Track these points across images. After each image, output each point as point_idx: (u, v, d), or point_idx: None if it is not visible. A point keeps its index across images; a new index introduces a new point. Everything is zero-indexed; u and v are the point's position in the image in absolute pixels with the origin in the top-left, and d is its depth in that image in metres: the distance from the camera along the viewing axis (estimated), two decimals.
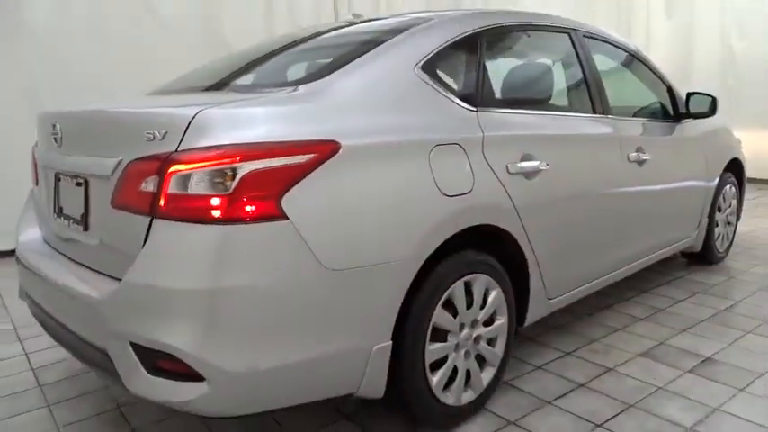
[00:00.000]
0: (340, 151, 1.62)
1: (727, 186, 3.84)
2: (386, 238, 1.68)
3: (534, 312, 2.35)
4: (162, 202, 1.50)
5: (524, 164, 2.15)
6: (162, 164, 1.51)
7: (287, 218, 1.51)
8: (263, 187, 1.50)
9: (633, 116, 3.02)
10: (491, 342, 2.16)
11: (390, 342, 1.75)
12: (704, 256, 3.82)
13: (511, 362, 2.55)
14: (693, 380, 2.38)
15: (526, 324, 2.33)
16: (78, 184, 1.83)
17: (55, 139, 1.92)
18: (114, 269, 1.66)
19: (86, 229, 1.79)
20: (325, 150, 1.60)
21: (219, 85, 2.13)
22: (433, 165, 1.83)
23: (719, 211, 3.82)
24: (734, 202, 4.00)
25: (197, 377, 1.48)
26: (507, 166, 2.08)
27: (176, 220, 1.49)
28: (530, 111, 2.31)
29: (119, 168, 1.64)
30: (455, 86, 2.09)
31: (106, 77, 4.56)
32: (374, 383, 1.75)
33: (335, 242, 1.58)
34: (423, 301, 1.84)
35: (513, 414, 2.14)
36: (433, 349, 1.90)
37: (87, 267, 1.80)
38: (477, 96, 2.10)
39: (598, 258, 2.65)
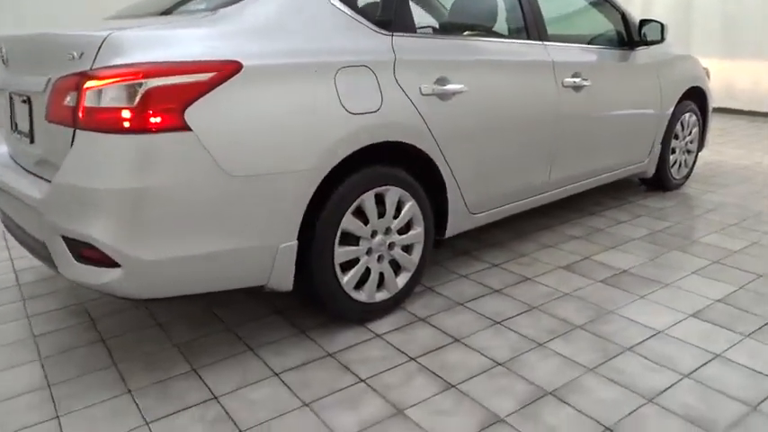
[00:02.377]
0: (242, 71, 1.81)
1: (687, 114, 3.91)
2: (287, 150, 1.88)
3: (455, 225, 2.55)
4: (80, 115, 1.72)
5: (438, 86, 2.30)
6: (79, 80, 1.72)
7: (190, 129, 1.72)
8: (166, 101, 1.70)
9: (588, 44, 3.10)
10: (407, 249, 2.38)
11: (296, 242, 1.98)
12: (659, 182, 3.94)
13: (436, 270, 2.79)
14: (600, 288, 2.59)
15: (448, 235, 2.54)
16: (24, 102, 2.05)
17: (3, 60, 2.14)
18: (51, 175, 1.91)
19: (32, 141, 2.03)
20: (226, 69, 1.78)
21: (172, 9, 2.31)
22: (338, 85, 2.00)
23: (677, 138, 3.90)
24: (695, 130, 4.07)
25: (113, 264, 1.74)
26: (420, 88, 2.24)
27: (93, 131, 1.71)
28: (449, 36, 2.44)
29: (49, 85, 1.85)
30: (370, 12, 2.23)
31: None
32: (282, 278, 2.00)
33: (237, 152, 1.79)
34: (331, 208, 2.06)
35: (425, 312, 2.39)
36: (343, 251, 2.13)
37: (35, 175, 2.05)
38: (393, 22, 2.24)
39: (524, 180, 2.81)
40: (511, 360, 2.05)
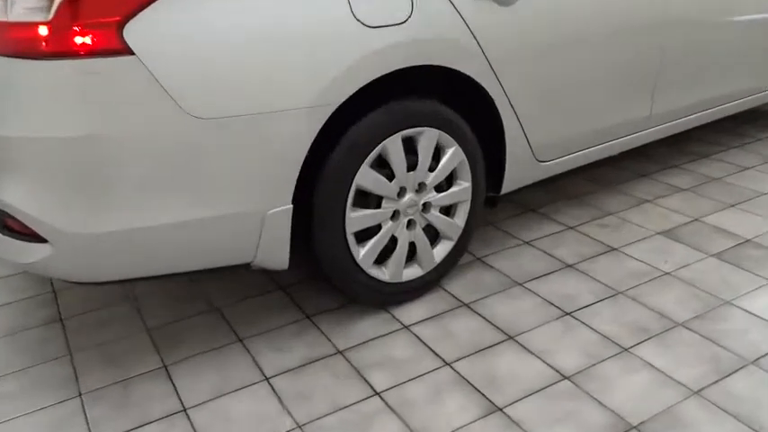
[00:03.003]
0: None
1: None
2: (273, 81, 1.55)
3: (516, 177, 2.19)
4: None
5: None
6: None
7: (132, 53, 1.41)
8: (95, 13, 1.39)
9: None
10: (448, 211, 2.05)
11: (290, 206, 1.68)
12: None
13: (491, 234, 2.45)
14: (714, 266, 2.19)
15: (506, 191, 2.19)
16: None
17: None
18: None
19: None
20: None
21: None
22: None
23: None
24: None
25: (39, 238, 1.49)
26: None
27: (3, 56, 1.44)
28: None
29: None
30: None
31: None
32: (273, 253, 1.72)
33: (202, 85, 1.47)
34: (339, 159, 1.73)
35: (470, 295, 2.07)
36: (358, 217, 1.82)
37: None
38: None
39: (615, 114, 2.38)
40: (582, 372, 1.72)
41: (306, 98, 1.59)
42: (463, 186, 2.02)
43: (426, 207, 1.97)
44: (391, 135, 1.81)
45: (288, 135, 1.60)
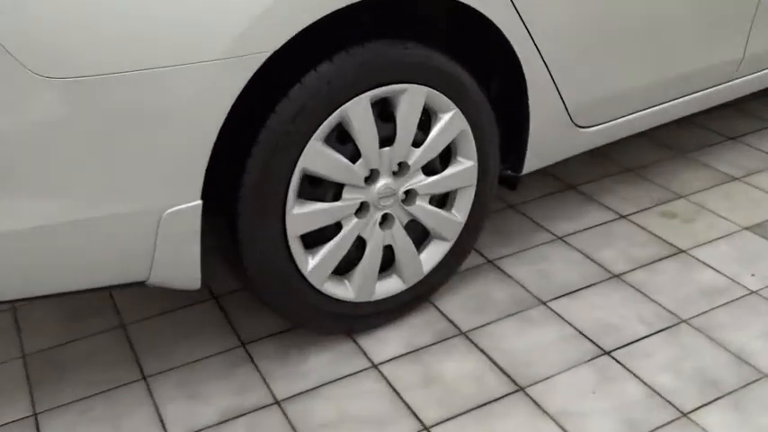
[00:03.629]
0: None
1: None
2: (162, 21, 1.19)
3: (544, 150, 1.79)
4: None
5: None
6: None
7: None
8: None
9: None
10: (443, 201, 1.69)
11: (198, 203, 1.33)
12: None
13: (509, 221, 2.08)
14: None
15: (530, 169, 1.80)
16: None
17: None
18: None
19: None
20: None
21: None
22: None
23: None
24: None
25: None
26: None
27: None
28: None
29: None
30: None
31: None
32: (177, 268, 1.38)
33: (52, 32, 1.13)
34: (275, 133, 1.37)
35: (472, 319, 1.70)
36: (304, 214, 1.47)
37: None
38: None
39: (691, 56, 1.97)
40: None
41: (216, 47, 1.23)
42: (465, 166, 1.65)
43: (410, 196, 1.60)
44: (354, 96, 1.43)
45: (189, 100, 1.24)
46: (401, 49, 1.47)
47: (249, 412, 1.49)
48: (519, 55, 1.61)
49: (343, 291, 1.60)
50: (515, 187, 1.90)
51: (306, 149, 1.42)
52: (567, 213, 2.11)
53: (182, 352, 1.66)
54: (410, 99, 1.51)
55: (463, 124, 1.61)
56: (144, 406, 1.52)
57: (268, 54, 1.29)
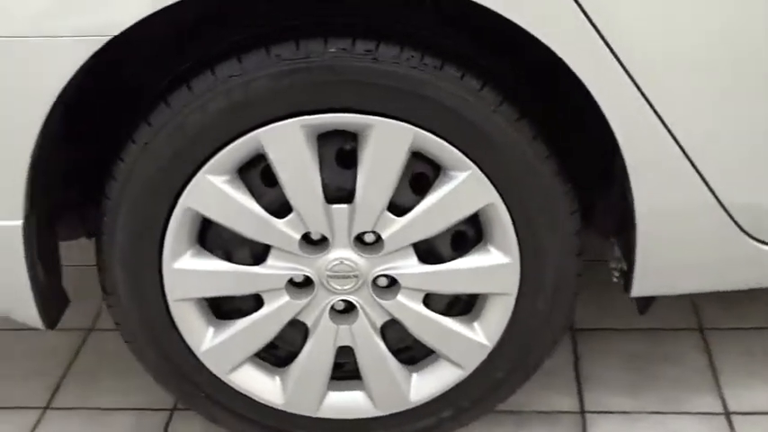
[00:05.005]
0: None
1: None
2: None
3: (671, 271, 1.07)
4: None
5: None
6: None
7: None
8: None
9: None
10: (453, 305, 1.11)
11: (19, 222, 0.99)
12: None
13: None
14: None
15: (640, 293, 1.08)
16: None
17: None
18: None
19: None
20: None
21: None
22: None
23: None
24: None
25: None
26: None
27: None
28: None
29: None
30: None
31: None
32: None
33: None
34: (144, 155, 0.96)
35: None
36: (195, 271, 1.03)
37: None
38: None
39: None
40: None
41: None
42: (493, 262, 1.04)
43: (390, 287, 1.06)
44: (274, 119, 0.95)
45: None
46: (366, 59, 0.93)
47: None
48: (604, 109, 0.94)
49: (267, 389, 1.13)
50: (644, 311, 1.18)
51: (192, 183, 0.99)
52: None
53: None
54: (380, 139, 0.96)
55: (489, 195, 0.99)
56: None
57: (106, 38, 0.89)
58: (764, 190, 1.01)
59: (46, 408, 1.36)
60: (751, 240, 1.03)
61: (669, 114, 0.93)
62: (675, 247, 1.04)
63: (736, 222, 1.01)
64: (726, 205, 0.99)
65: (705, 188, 0.98)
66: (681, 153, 0.95)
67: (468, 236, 1.06)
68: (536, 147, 0.98)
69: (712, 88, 0.94)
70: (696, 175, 0.96)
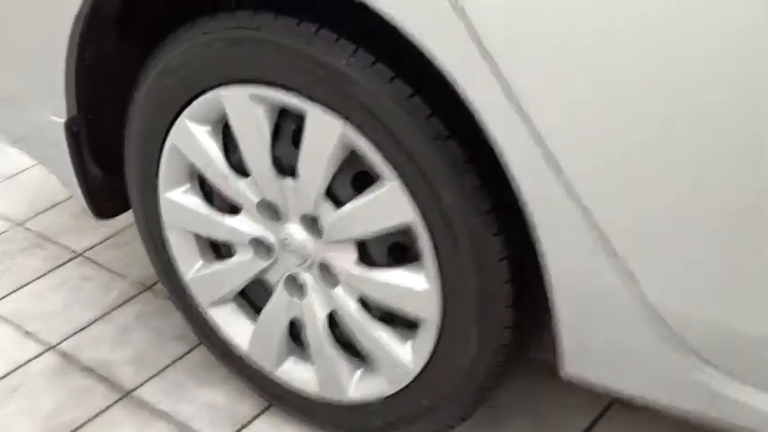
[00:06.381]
0: None
1: None
2: None
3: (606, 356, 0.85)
4: None
5: None
6: None
7: None
8: None
9: None
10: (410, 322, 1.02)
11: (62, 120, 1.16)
12: None
13: None
14: None
15: (570, 373, 0.87)
16: None
17: None
18: None
19: None
20: None
21: None
22: None
23: None
24: None
25: None
26: None
27: None
28: None
29: None
30: None
31: None
32: None
33: None
34: (145, 89, 1.06)
35: None
36: (181, 205, 1.13)
37: None
38: None
39: None
40: None
41: None
42: (410, 284, 0.96)
43: (332, 276, 1.04)
44: (228, 83, 0.98)
45: None
46: (300, 40, 0.90)
47: None
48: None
49: (238, 332, 1.20)
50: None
51: (176, 125, 1.08)
52: None
53: None
54: (314, 127, 0.94)
55: (407, 213, 0.91)
56: None
57: None
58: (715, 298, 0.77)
59: None
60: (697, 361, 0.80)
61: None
62: (596, 337, 0.86)
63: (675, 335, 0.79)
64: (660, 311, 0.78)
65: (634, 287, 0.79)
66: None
67: (407, 248, 0.99)
68: (469, 177, 0.88)
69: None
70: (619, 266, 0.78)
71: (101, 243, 1.72)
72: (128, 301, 1.54)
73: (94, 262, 1.67)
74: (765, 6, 0.60)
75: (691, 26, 0.64)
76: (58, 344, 1.45)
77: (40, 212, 1.85)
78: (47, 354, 1.43)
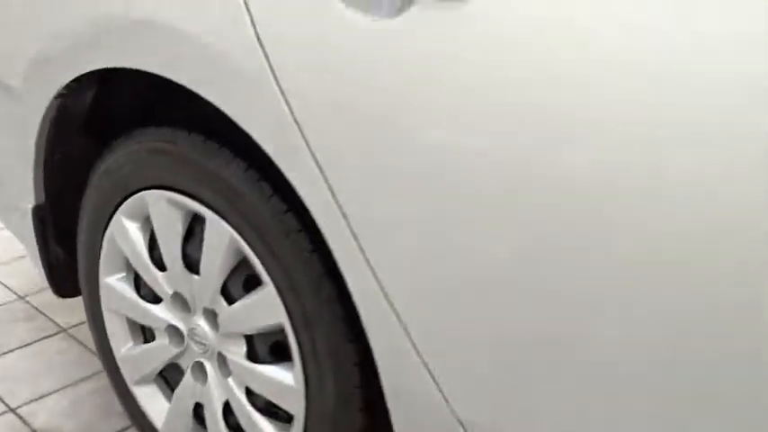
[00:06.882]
0: None
1: None
2: None
3: None
4: None
5: None
6: None
7: None
8: None
9: None
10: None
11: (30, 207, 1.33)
12: None
13: None
14: None
15: None
16: None
17: None
18: None
19: None
20: None
21: None
22: None
23: None
24: None
25: None
26: None
27: None
28: None
29: None
30: None
31: None
32: None
33: None
34: (98, 178, 1.22)
35: None
36: (112, 284, 1.27)
37: None
38: None
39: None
40: None
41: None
42: (286, 382, 1.05)
43: (226, 365, 1.15)
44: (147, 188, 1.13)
45: None
46: (204, 154, 1.05)
47: None
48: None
49: (155, 411, 1.30)
50: None
51: (113, 219, 1.23)
52: None
53: None
54: (211, 232, 1.07)
55: (280, 315, 1.02)
56: None
57: None
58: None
59: None
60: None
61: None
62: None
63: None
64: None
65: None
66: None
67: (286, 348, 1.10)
68: (326, 287, 0.99)
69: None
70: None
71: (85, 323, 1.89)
72: (90, 377, 1.68)
73: (74, 338, 1.82)
74: None
75: None
76: (18, 407, 1.59)
77: (44, 289, 2.04)
78: (6, 414, 1.57)
